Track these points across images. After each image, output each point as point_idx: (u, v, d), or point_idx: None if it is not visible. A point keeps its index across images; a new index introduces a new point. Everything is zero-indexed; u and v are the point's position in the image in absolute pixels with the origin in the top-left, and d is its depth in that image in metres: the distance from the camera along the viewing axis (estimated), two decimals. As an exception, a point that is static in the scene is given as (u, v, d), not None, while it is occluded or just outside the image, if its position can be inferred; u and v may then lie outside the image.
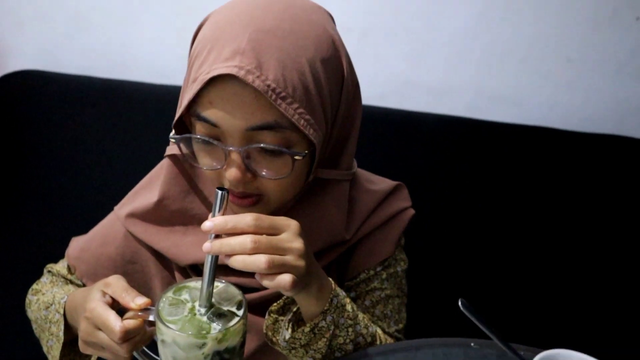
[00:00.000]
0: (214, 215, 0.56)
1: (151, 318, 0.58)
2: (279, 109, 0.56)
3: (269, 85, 0.55)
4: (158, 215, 0.72)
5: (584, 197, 1.29)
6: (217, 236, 0.55)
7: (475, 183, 1.29)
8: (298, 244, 0.56)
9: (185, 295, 0.60)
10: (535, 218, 1.29)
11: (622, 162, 1.29)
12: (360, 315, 0.69)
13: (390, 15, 1.36)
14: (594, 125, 1.38)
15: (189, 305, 0.59)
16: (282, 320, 0.66)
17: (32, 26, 1.46)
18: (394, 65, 1.42)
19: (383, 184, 0.79)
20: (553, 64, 1.37)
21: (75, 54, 1.47)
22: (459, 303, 0.58)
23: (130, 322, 0.57)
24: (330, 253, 0.72)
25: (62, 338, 0.68)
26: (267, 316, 0.66)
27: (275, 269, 0.53)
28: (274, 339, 0.66)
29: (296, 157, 0.59)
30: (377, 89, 1.40)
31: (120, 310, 0.60)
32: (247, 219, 0.54)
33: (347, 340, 0.66)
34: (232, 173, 0.59)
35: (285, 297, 0.66)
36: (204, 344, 0.54)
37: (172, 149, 0.69)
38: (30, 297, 0.80)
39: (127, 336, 0.57)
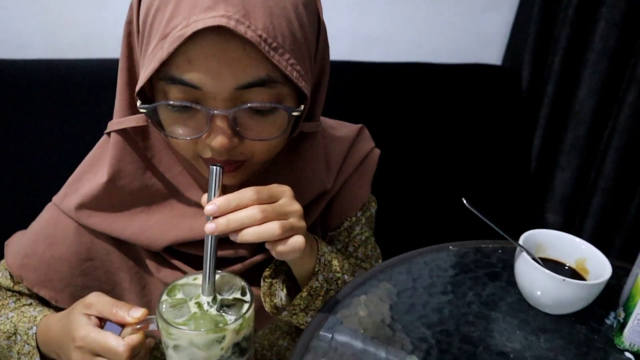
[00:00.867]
0: (211, 195, 0.54)
1: (152, 327, 0.54)
2: (272, 61, 0.50)
3: (260, 36, 0.48)
4: (113, 199, 0.63)
5: (460, 120, 1.43)
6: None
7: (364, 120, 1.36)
8: (296, 206, 0.56)
9: (180, 295, 0.57)
10: (424, 140, 1.40)
11: (485, 86, 1.45)
12: (346, 264, 0.69)
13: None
14: (459, 57, 1.53)
15: (192, 302, 0.56)
16: (276, 282, 0.66)
17: None
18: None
19: (345, 128, 0.77)
20: (417, 5, 1.46)
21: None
22: (464, 201, 0.65)
23: (133, 338, 0.54)
24: (316, 206, 0.70)
25: None
26: (262, 282, 0.65)
27: (287, 233, 0.54)
28: (271, 304, 0.65)
29: (294, 114, 0.55)
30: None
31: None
32: (248, 194, 0.53)
33: (338, 290, 0.68)
34: (218, 140, 0.52)
35: (274, 261, 0.66)
36: (223, 338, 0.52)
37: (117, 123, 0.60)
38: None
39: (133, 354, 0.53)
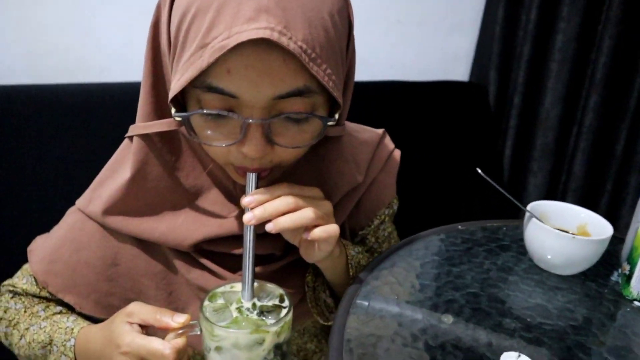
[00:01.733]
0: None
1: (197, 332, 0.56)
2: (311, 72, 0.50)
3: (301, 47, 0.48)
4: (139, 201, 0.63)
5: (432, 134, 1.50)
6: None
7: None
8: (327, 202, 0.61)
9: (221, 300, 0.59)
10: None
11: (454, 102, 1.54)
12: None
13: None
14: (429, 75, 1.62)
15: (233, 307, 0.57)
16: (318, 287, 0.69)
17: None
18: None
19: (368, 132, 0.79)
20: (389, 28, 1.56)
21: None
22: (478, 170, 0.72)
23: (178, 341, 0.55)
24: (345, 205, 0.71)
25: None
26: (306, 288, 0.68)
27: (320, 220, 0.57)
28: (317, 311, 0.68)
29: (329, 123, 0.56)
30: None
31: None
32: (282, 186, 0.57)
33: None
34: (252, 148, 0.53)
35: (310, 266, 0.69)
36: (264, 340, 0.54)
37: (143, 127, 0.60)
38: (4, 330, 0.67)
39: (179, 356, 0.54)
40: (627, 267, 0.66)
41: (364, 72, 1.57)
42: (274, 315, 0.56)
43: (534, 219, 0.69)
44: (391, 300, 0.61)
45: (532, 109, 1.54)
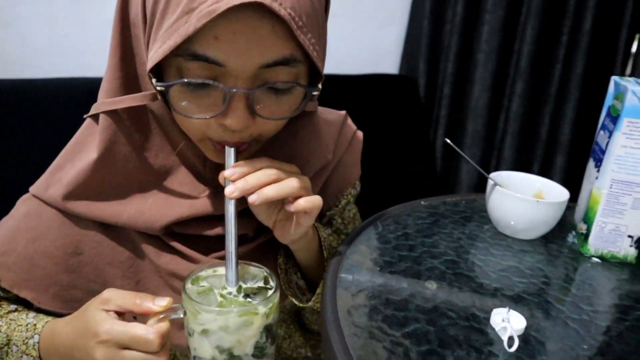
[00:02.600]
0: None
1: (180, 315, 0.52)
2: (298, 39, 0.48)
3: (290, 14, 0.47)
4: (104, 184, 0.59)
5: (364, 126, 1.54)
6: None
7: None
8: (306, 177, 0.59)
9: (205, 283, 0.55)
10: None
11: (385, 94, 1.58)
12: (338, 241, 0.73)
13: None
14: (360, 68, 1.65)
15: (217, 291, 0.54)
16: (290, 268, 0.68)
17: None
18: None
19: (332, 114, 0.78)
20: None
21: None
22: (447, 140, 0.75)
23: (162, 326, 0.51)
24: (316, 182, 0.70)
25: None
26: (278, 270, 0.67)
27: (303, 191, 0.56)
28: (291, 293, 0.66)
29: (314, 93, 0.54)
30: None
31: None
32: (262, 159, 0.55)
33: None
34: (236, 120, 0.50)
35: (281, 248, 0.68)
36: (252, 322, 0.51)
37: (110, 103, 0.56)
38: None
39: (164, 341, 0.51)
40: (583, 227, 0.71)
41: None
42: (260, 297, 0.53)
43: (498, 187, 0.72)
44: (374, 272, 0.61)
45: (462, 98, 1.62)
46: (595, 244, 0.69)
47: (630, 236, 0.67)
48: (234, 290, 0.54)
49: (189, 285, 0.54)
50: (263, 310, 0.51)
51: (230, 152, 0.54)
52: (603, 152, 0.68)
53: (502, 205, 0.71)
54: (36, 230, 0.60)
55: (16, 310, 0.62)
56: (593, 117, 1.47)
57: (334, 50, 1.64)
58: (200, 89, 0.50)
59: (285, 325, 0.78)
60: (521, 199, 0.69)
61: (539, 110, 1.51)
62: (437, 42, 1.63)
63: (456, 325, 0.52)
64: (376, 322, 0.52)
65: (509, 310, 0.53)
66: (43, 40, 1.25)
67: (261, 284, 0.56)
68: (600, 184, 0.67)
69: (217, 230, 0.64)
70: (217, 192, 0.63)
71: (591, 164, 0.72)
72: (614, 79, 0.71)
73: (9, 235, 0.61)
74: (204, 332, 0.51)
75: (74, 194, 0.58)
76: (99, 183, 0.59)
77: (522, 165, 1.56)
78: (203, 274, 0.56)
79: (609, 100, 0.71)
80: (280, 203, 0.60)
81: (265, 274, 0.57)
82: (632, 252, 0.68)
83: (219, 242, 0.65)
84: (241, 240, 0.65)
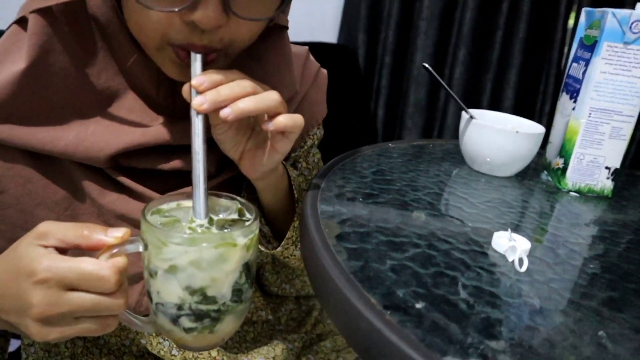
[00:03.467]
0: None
1: (139, 249, 0.42)
2: None
3: None
4: (35, 103, 0.47)
5: None
6: None
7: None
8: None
9: (169, 215, 0.45)
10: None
11: (324, 64, 1.53)
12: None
13: None
14: (297, 37, 1.58)
15: (184, 224, 0.44)
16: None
17: None
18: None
19: (294, 47, 0.70)
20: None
21: None
22: (425, 65, 0.68)
23: (118, 260, 0.40)
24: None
25: None
26: None
27: (282, 107, 0.47)
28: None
29: None
30: None
31: None
32: (234, 71, 0.46)
33: None
34: (208, 14, 0.42)
35: (245, 184, 0.59)
36: (230, 255, 0.42)
37: (36, 2, 0.46)
38: None
39: (121, 280, 0.40)
40: (560, 162, 0.68)
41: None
42: (237, 229, 0.44)
43: (475, 121, 0.67)
44: (357, 203, 0.54)
45: (403, 67, 1.59)
46: (573, 178, 0.66)
47: (607, 167, 0.66)
48: (205, 222, 0.44)
49: (149, 216, 0.44)
50: (242, 241, 0.42)
51: (196, 59, 0.45)
52: (579, 81, 0.66)
53: (479, 140, 0.67)
54: None
55: None
56: (535, 82, 1.50)
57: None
58: None
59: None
60: (500, 131, 0.65)
61: (482, 77, 1.52)
62: (377, 10, 1.60)
63: (458, 249, 0.47)
64: (373, 246, 0.45)
65: (511, 232, 0.48)
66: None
67: (235, 216, 0.47)
68: (578, 113, 0.65)
69: (173, 164, 0.54)
70: (173, 121, 0.53)
71: (565, 97, 0.70)
72: (586, 9, 0.69)
73: None
74: (171, 269, 0.41)
75: None
76: (27, 101, 0.47)
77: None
78: (165, 207, 0.46)
79: (580, 32, 0.69)
80: (250, 130, 0.51)
81: (239, 205, 0.47)
82: (608, 184, 0.66)
83: (175, 178, 0.55)
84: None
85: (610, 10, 0.61)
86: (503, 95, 1.48)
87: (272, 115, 0.47)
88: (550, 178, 0.71)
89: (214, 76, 0.44)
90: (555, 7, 1.43)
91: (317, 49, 1.54)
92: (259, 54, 0.57)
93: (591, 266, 0.47)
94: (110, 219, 0.52)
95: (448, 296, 0.39)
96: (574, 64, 0.69)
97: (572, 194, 0.67)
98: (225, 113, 0.43)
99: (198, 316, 0.42)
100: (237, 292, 0.44)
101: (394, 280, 0.40)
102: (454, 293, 0.39)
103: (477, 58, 1.48)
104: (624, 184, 0.73)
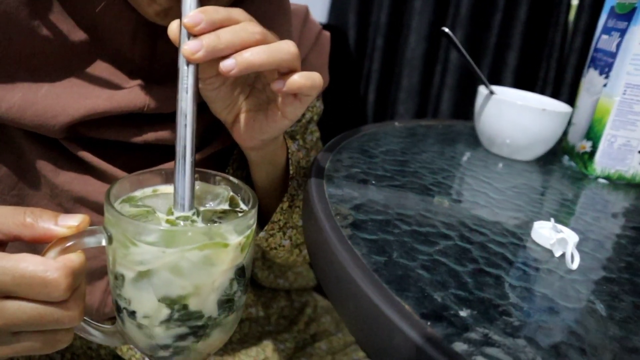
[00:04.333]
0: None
1: (101, 242, 0.32)
2: None
3: None
4: None
5: None
6: None
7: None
8: None
9: (142, 204, 0.36)
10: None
11: None
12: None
13: None
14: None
15: (161, 215, 0.34)
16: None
17: None
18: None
19: (292, 4, 0.60)
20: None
21: None
22: (443, 29, 0.60)
23: (71, 257, 0.30)
24: None
25: None
26: None
27: (297, 62, 0.36)
28: None
29: None
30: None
31: None
32: (237, 10, 0.35)
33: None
34: None
35: (232, 157, 0.51)
36: (219, 258, 0.33)
37: None
38: None
39: (75, 283, 0.30)
40: (587, 145, 0.61)
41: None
42: (229, 224, 0.34)
43: (495, 97, 0.60)
44: (370, 187, 0.46)
45: (397, 49, 1.51)
46: (602, 162, 0.59)
47: (640, 152, 0.59)
48: (189, 214, 0.35)
49: (117, 204, 0.35)
50: (236, 240, 0.33)
51: None
52: (612, 54, 0.58)
53: (500, 118, 0.59)
54: None
55: None
56: (536, 66, 1.44)
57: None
58: None
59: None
60: (524, 108, 0.57)
61: (479, 61, 1.44)
62: (369, -10, 1.51)
63: (494, 241, 0.39)
64: (396, 237, 0.37)
65: (552, 221, 0.41)
66: None
67: (226, 206, 0.37)
68: (610, 90, 0.58)
69: (147, 137, 0.44)
70: (149, 84, 0.44)
71: (592, 73, 0.63)
72: (617, -24, 0.62)
73: None
74: (143, 275, 0.32)
75: None
76: None
77: (461, 119, 1.49)
78: (138, 194, 0.37)
79: (611, 0, 0.62)
80: (248, 87, 0.42)
81: (231, 192, 0.38)
82: (641, 170, 0.60)
83: (149, 155, 0.46)
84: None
85: (652, -28, 0.54)
86: (502, 79, 1.41)
87: (285, 73, 0.37)
88: (573, 163, 0.64)
89: (213, 14, 0.33)
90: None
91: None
92: (262, 6, 0.48)
93: (646, 262, 0.40)
94: (66, 202, 0.43)
95: (496, 300, 0.31)
96: (604, 36, 0.62)
97: (601, 180, 0.60)
98: (227, 66, 0.33)
99: (178, 335, 0.34)
100: (226, 302, 0.35)
101: (428, 280, 0.32)
102: (503, 297, 0.32)
103: (475, 41, 1.41)
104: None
